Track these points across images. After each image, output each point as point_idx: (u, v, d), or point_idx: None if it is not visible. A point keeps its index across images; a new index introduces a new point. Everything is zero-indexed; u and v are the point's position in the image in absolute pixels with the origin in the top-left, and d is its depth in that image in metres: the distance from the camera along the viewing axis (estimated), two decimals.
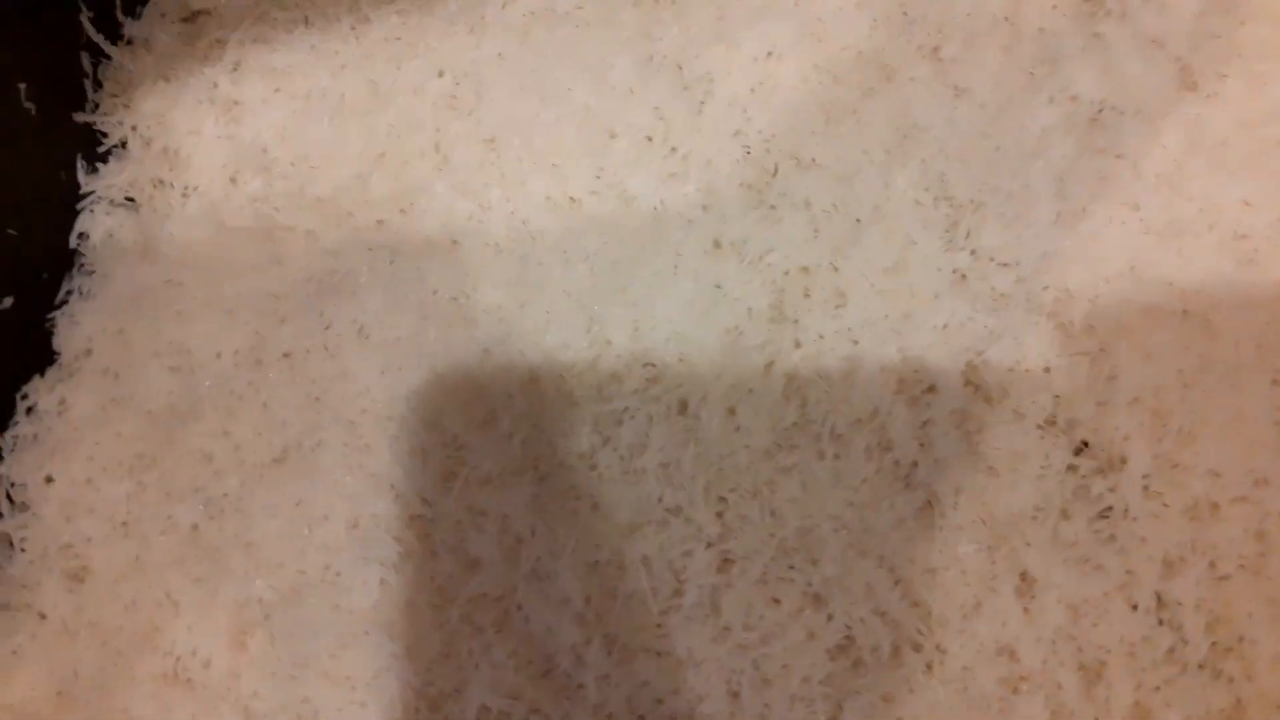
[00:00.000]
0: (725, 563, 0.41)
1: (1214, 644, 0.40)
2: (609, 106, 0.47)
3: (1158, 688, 0.39)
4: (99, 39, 0.45)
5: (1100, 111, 0.47)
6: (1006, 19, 0.49)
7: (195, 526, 0.41)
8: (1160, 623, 0.40)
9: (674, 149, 0.47)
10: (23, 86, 0.41)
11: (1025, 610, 0.40)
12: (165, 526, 0.41)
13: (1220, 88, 0.47)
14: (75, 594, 0.40)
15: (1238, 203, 0.46)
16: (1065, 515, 0.42)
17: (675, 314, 0.44)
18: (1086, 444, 0.43)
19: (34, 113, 0.41)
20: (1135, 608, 0.40)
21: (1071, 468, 0.42)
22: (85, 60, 0.45)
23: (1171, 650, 0.40)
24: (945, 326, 0.44)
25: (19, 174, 0.41)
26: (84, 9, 0.44)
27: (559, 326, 0.44)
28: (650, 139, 0.47)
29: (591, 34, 0.48)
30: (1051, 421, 0.43)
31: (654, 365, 0.44)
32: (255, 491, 0.41)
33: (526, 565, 0.40)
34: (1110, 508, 0.42)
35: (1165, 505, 0.41)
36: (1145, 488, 0.42)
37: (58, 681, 0.40)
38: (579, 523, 0.41)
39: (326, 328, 0.43)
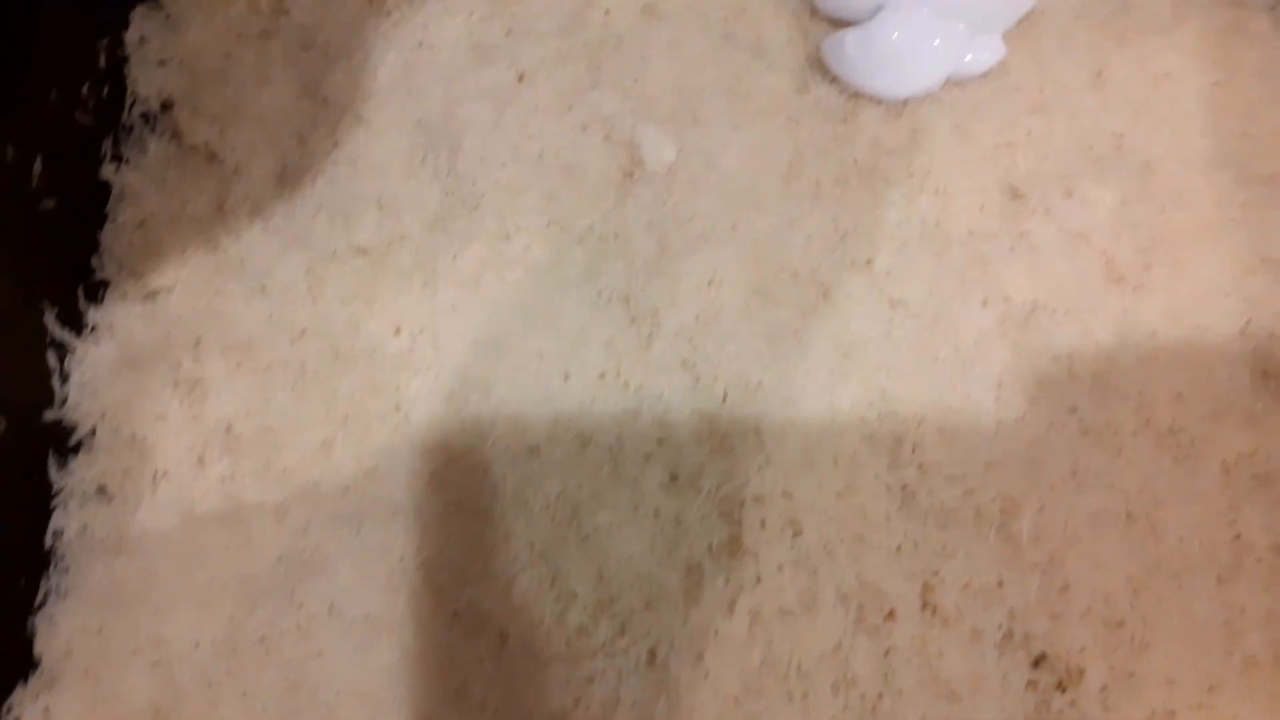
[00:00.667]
0: None
1: None
2: (561, 349, 0.48)
3: None
4: (64, 334, 0.46)
5: (1033, 312, 0.49)
6: (937, 224, 0.50)
7: None
8: None
9: (626, 384, 0.48)
10: None
11: None
12: None
13: (1146, 278, 0.49)
14: None
15: (1171, 395, 0.47)
16: None
17: (638, 556, 0.45)
18: (1045, 655, 0.43)
19: (4, 427, 0.42)
20: None
21: (1031, 684, 0.43)
22: (52, 357, 0.45)
23: None
24: (899, 548, 0.45)
25: None
26: (48, 307, 0.45)
27: (524, 582, 0.45)
28: (603, 376, 0.48)
29: (541, 276, 0.49)
30: (1009, 637, 0.44)
31: (620, 614, 0.44)
32: None
33: None
34: None
35: (1125, 718, 0.42)
36: (1104, 701, 0.42)
37: None
38: None
39: (299, 608, 0.44)
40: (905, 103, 0.52)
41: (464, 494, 0.46)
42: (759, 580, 0.45)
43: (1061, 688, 0.43)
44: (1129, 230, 0.50)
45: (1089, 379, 0.47)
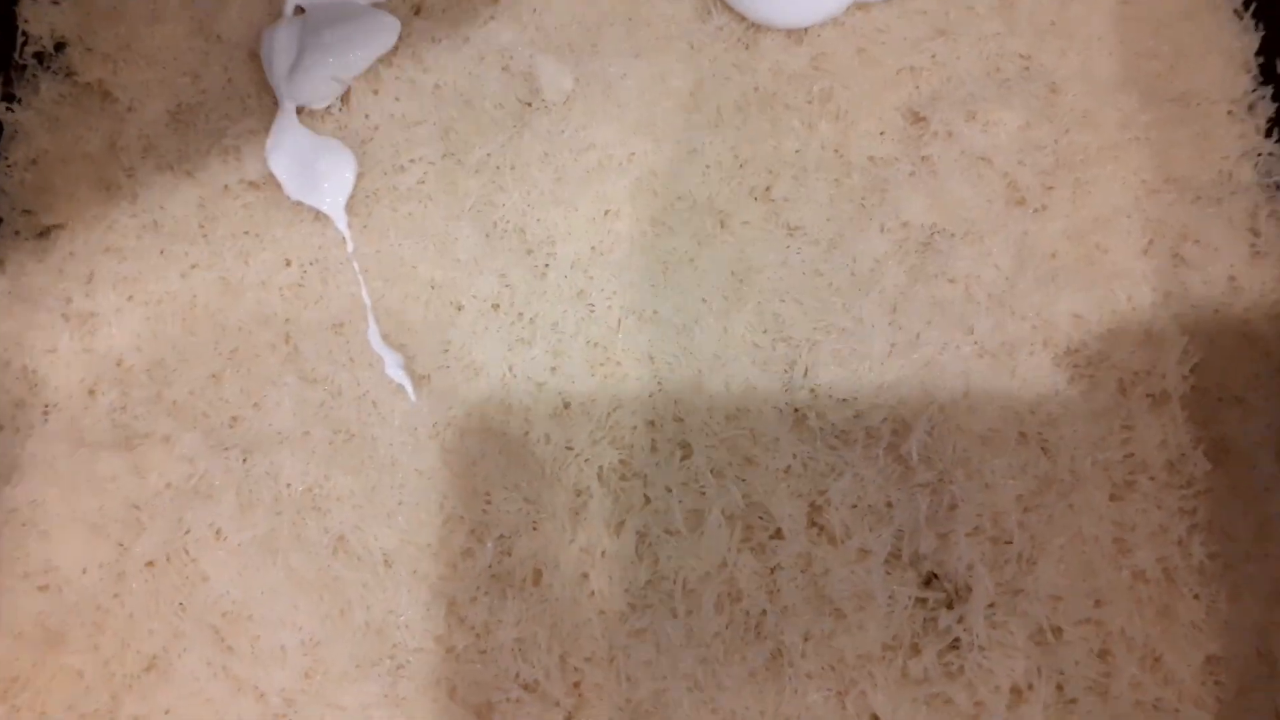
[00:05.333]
0: None
1: None
2: (454, 279, 0.50)
3: None
4: None
5: (932, 236, 0.51)
6: (836, 151, 0.52)
7: None
8: None
9: (520, 314, 0.50)
10: None
11: None
12: None
13: (1048, 199, 0.51)
14: None
15: (1069, 316, 0.49)
16: (915, 650, 0.45)
17: (526, 483, 0.47)
18: (934, 575, 0.45)
19: None
20: None
21: (920, 600, 0.45)
22: None
23: None
24: (788, 469, 0.47)
25: None
26: None
27: (410, 508, 0.47)
28: (497, 306, 0.50)
29: (434, 207, 0.51)
30: (896, 556, 0.46)
31: (506, 537, 0.47)
32: (124, 703, 0.45)
33: None
34: (958, 640, 0.45)
35: (1011, 633, 0.44)
36: (991, 618, 0.44)
37: None
38: (439, 711, 0.43)
39: (185, 533, 0.46)
40: (807, 29, 0.54)
41: (350, 424, 0.48)
42: (647, 501, 0.47)
43: (949, 605, 0.46)
44: (1032, 152, 0.52)
45: (986, 300, 0.50)
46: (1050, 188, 0.51)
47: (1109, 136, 0.52)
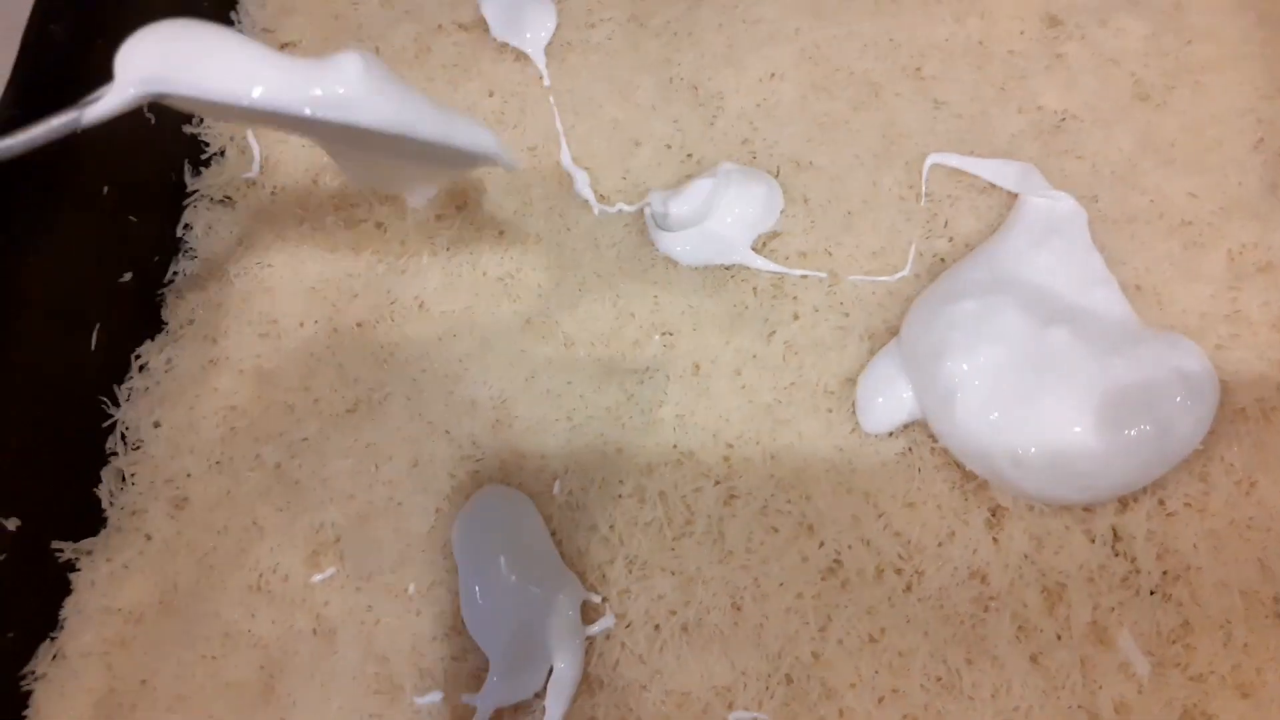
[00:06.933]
0: (730, 498, 0.48)
1: (1164, 572, 0.46)
2: (634, 119, 0.55)
3: (1113, 609, 0.45)
4: None
5: (1063, 120, 0.55)
6: (980, 43, 0.57)
7: (278, 465, 0.48)
8: (1115, 553, 0.46)
9: (690, 154, 0.55)
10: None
11: (994, 540, 0.46)
12: (253, 464, 0.49)
13: (1169, 97, 0.55)
14: (176, 520, 0.48)
15: (1184, 194, 0.52)
16: None
17: (690, 291, 0.52)
18: None
19: (153, 123, 0.50)
20: (1093, 540, 0.46)
21: None
22: None
23: (1125, 577, 0.46)
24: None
25: (140, 172, 0.51)
26: None
27: (589, 301, 0.51)
28: (669, 146, 0.55)
29: (619, 60, 0.56)
30: None
31: (671, 334, 0.51)
32: (330, 436, 0.49)
33: (561, 497, 0.47)
34: None
35: None
36: None
37: (160, 591, 0.47)
38: (606, 463, 0.48)
39: (392, 302, 0.51)
40: None
41: (541, 228, 0.53)
42: (796, 317, 0.51)
43: None
44: (1156, 57, 0.56)
45: (1109, 176, 0.54)
46: (1172, 88, 0.55)
47: (1227, 49, 0.56)
